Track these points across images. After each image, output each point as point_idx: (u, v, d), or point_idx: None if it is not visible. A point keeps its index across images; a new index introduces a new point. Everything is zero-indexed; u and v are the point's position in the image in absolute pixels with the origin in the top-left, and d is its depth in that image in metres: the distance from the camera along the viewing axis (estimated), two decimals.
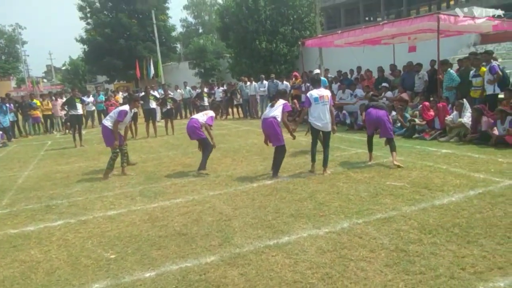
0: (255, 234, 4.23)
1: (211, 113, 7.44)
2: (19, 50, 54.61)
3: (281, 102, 6.67)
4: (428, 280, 3.07)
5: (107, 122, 7.51)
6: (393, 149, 6.73)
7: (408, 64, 11.77)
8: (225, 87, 19.03)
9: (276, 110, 6.54)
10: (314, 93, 6.61)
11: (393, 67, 12.82)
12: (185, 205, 5.44)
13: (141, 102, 12.93)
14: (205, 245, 4.05)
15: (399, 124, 9.94)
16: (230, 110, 18.31)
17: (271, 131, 6.48)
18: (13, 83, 54.12)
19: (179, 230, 4.50)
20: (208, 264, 3.63)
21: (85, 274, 3.63)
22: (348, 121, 11.99)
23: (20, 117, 17.20)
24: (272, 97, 16.34)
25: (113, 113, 7.59)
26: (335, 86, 14.13)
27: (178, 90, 19.63)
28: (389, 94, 11.60)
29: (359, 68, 14.15)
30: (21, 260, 4.05)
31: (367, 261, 3.44)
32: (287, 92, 7.94)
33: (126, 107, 7.57)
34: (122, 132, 7.74)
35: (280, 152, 6.57)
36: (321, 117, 6.48)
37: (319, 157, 6.73)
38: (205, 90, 18.48)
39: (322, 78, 13.54)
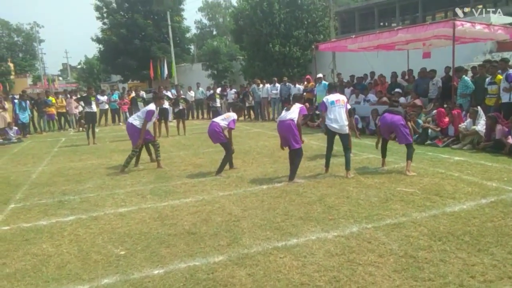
0: (264, 235, 4.24)
1: (233, 115, 7.26)
2: (36, 48, 55.71)
3: (297, 105, 6.65)
4: (437, 287, 3.05)
5: (135, 121, 7.75)
6: (409, 157, 6.59)
7: (422, 70, 11.70)
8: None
9: (294, 113, 6.49)
10: (330, 97, 6.76)
11: (409, 72, 12.73)
12: (194, 204, 5.48)
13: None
14: (214, 244, 4.07)
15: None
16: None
17: (289, 133, 6.38)
18: (29, 81, 55.12)
19: (188, 229, 4.53)
20: (216, 263, 3.65)
21: (95, 269, 3.68)
22: (360, 125, 11.93)
23: (35, 113, 17.49)
24: (284, 100, 16.45)
25: (141, 113, 7.88)
26: (347, 91, 14.09)
27: (191, 92, 19.76)
28: (402, 100, 11.52)
29: (372, 73, 14.09)
30: (33, 253, 4.12)
31: (375, 266, 3.43)
32: (303, 97, 7.95)
33: (152, 107, 7.82)
34: (151, 130, 8.20)
35: (297, 155, 6.47)
36: (337, 119, 6.55)
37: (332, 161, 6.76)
38: (218, 91, 18.55)
39: (324, 82, 13.63)
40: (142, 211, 5.30)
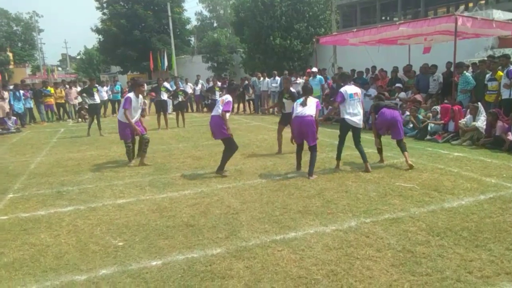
0: (262, 228, 4.24)
1: (228, 97, 6.60)
2: (35, 38, 55.37)
3: (313, 100, 6.47)
4: (434, 282, 3.05)
5: (119, 115, 7.59)
6: (405, 149, 6.64)
7: (424, 66, 11.65)
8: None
9: (311, 108, 6.30)
10: (349, 89, 6.53)
11: (408, 67, 12.69)
12: (193, 197, 5.47)
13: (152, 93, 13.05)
14: (212, 237, 4.08)
15: (411, 125, 9.86)
16: (241, 105, 18.30)
17: (309, 129, 6.21)
18: (28, 70, 54.80)
19: (187, 221, 4.53)
20: (214, 255, 3.65)
21: (93, 259, 3.69)
22: None
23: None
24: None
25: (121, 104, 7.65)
26: None
27: (189, 84, 19.66)
28: (402, 94, 11.51)
29: (373, 68, 14.05)
30: (31, 243, 4.13)
31: (373, 260, 3.43)
32: (312, 89, 7.64)
33: (130, 94, 7.45)
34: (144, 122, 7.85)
35: (314, 151, 6.35)
36: (356, 113, 6.48)
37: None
38: (218, 84, 18.47)
39: (318, 76, 13.54)
40: (140, 203, 5.29)
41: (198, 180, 6.37)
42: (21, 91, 15.88)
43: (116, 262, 3.62)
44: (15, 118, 14.97)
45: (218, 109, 6.51)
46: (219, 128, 6.50)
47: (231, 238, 4.02)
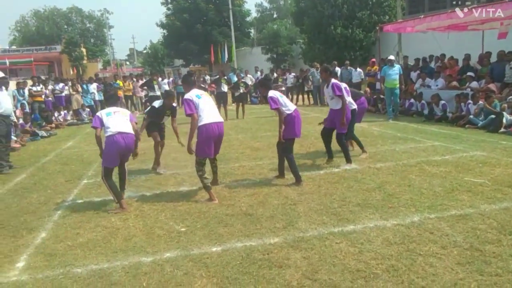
0: (320, 220, 4.22)
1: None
2: (106, 34, 58.80)
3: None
4: (505, 282, 2.86)
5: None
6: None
7: (501, 53, 10.73)
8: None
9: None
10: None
11: (486, 55, 11.66)
12: (251, 186, 5.56)
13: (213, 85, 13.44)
14: (270, 226, 4.12)
15: (481, 117, 9.21)
16: (300, 96, 18.16)
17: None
18: (99, 65, 58.40)
19: (245, 210, 4.62)
20: (272, 245, 3.70)
21: (158, 243, 3.90)
22: (426, 111, 11.29)
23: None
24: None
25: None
26: (414, 75, 13.41)
27: (249, 75, 19.85)
28: (474, 84, 10.76)
29: (442, 56, 13.22)
30: (103, 225, 4.45)
31: (437, 257, 3.28)
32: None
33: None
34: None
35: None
36: None
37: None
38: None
39: (397, 64, 12.67)
40: (201, 191, 5.48)
41: (256, 170, 6.46)
42: (89, 85, 16.97)
43: (179, 246, 3.79)
44: (88, 109, 16.10)
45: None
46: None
47: (288, 229, 4.04)
